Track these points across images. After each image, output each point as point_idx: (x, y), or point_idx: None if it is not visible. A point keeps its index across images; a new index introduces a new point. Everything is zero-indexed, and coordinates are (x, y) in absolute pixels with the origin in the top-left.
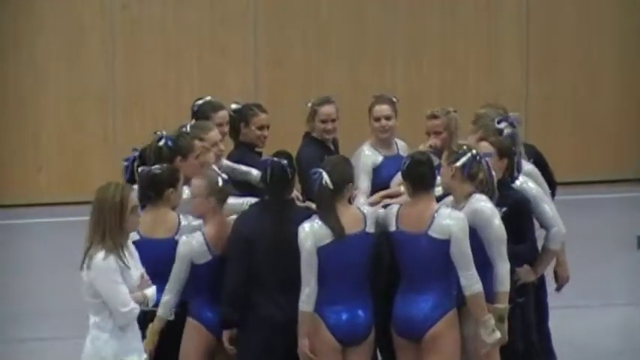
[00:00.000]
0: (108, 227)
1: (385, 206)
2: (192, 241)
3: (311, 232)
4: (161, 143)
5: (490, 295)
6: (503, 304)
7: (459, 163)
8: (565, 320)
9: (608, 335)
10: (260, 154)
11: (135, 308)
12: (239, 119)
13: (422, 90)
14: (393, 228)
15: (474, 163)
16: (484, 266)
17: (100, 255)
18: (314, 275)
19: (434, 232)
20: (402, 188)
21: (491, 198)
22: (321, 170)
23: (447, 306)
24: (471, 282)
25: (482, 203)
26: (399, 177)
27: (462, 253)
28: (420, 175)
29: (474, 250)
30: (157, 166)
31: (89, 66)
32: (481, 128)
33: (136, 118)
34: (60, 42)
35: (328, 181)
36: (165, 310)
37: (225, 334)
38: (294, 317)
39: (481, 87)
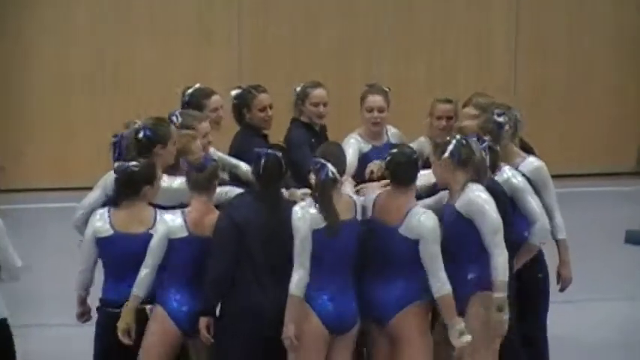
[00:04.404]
0: None
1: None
2: (171, 217)
3: (306, 215)
4: (140, 135)
5: (487, 282)
6: (501, 294)
7: (447, 153)
8: (555, 314)
9: (598, 329)
10: (265, 136)
11: None
12: (241, 105)
13: (409, 82)
14: (368, 214)
15: (462, 147)
16: (481, 255)
17: None
18: (307, 259)
19: (404, 231)
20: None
21: (486, 177)
22: (323, 161)
23: (416, 296)
24: (439, 284)
25: (476, 193)
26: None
27: (431, 255)
28: (401, 168)
29: (471, 240)
30: (133, 162)
31: (77, 48)
32: (484, 114)
33: (123, 101)
34: (48, 21)
35: (335, 172)
36: (139, 288)
37: (202, 321)
38: (282, 308)
39: (470, 79)
